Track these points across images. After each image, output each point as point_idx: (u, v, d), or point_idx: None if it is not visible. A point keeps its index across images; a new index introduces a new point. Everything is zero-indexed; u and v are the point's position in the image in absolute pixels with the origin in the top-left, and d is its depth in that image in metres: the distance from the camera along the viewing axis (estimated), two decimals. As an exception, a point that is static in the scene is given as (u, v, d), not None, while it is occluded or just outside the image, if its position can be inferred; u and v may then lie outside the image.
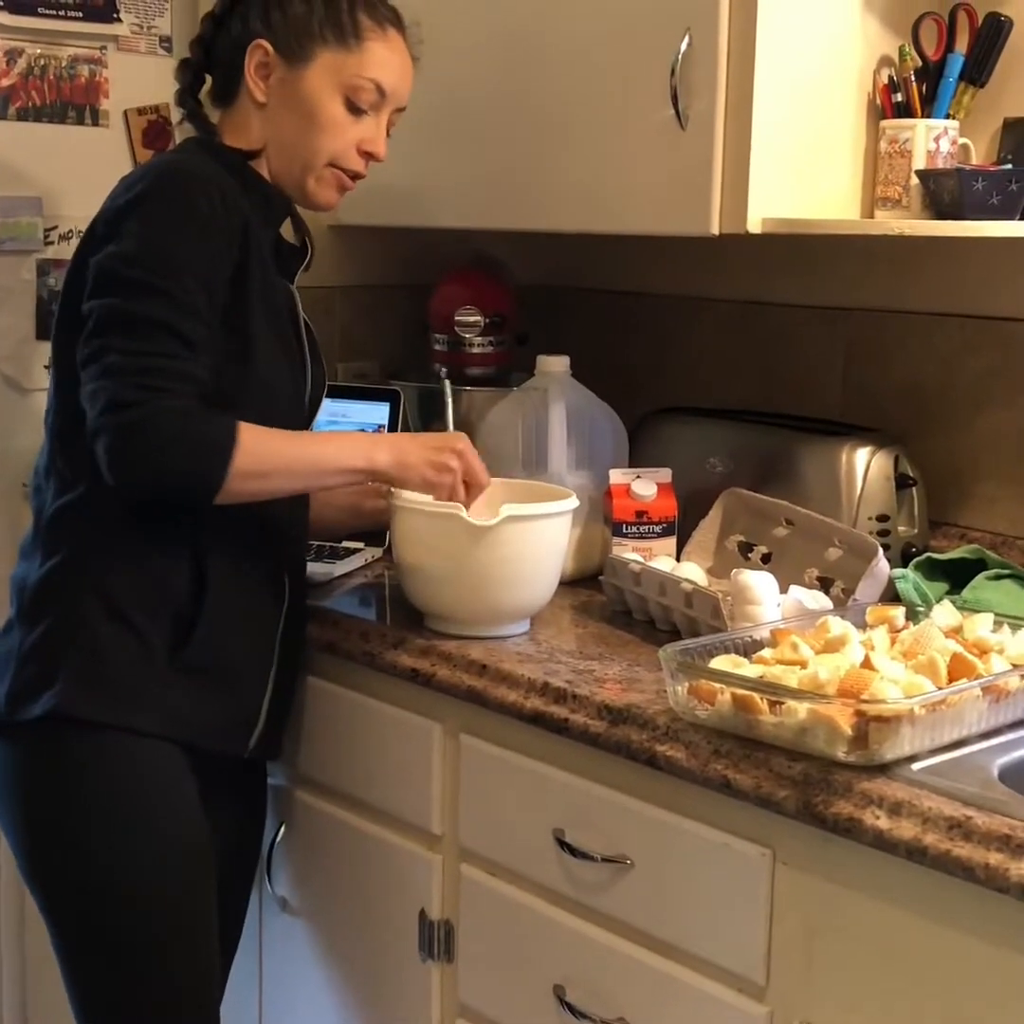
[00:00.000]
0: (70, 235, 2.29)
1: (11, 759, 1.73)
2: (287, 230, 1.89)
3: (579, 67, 2.03)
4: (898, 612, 1.66)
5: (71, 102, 2.30)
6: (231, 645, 1.76)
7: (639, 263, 2.50)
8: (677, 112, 1.89)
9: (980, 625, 1.61)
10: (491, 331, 2.34)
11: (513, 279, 2.43)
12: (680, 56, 1.87)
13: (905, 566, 1.90)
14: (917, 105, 1.94)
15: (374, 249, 2.55)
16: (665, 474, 2.02)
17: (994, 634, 1.60)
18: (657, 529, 2.00)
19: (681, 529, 2.02)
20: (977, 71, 1.95)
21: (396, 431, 2.27)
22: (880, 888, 1.36)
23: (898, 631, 1.62)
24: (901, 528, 2.00)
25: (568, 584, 2.01)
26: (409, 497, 1.81)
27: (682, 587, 1.80)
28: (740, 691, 1.46)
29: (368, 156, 1.81)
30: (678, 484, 2.03)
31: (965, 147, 1.97)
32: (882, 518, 1.97)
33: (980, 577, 1.87)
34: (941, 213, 1.87)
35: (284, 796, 2.02)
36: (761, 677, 1.48)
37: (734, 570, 1.78)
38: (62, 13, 2.27)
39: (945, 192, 1.84)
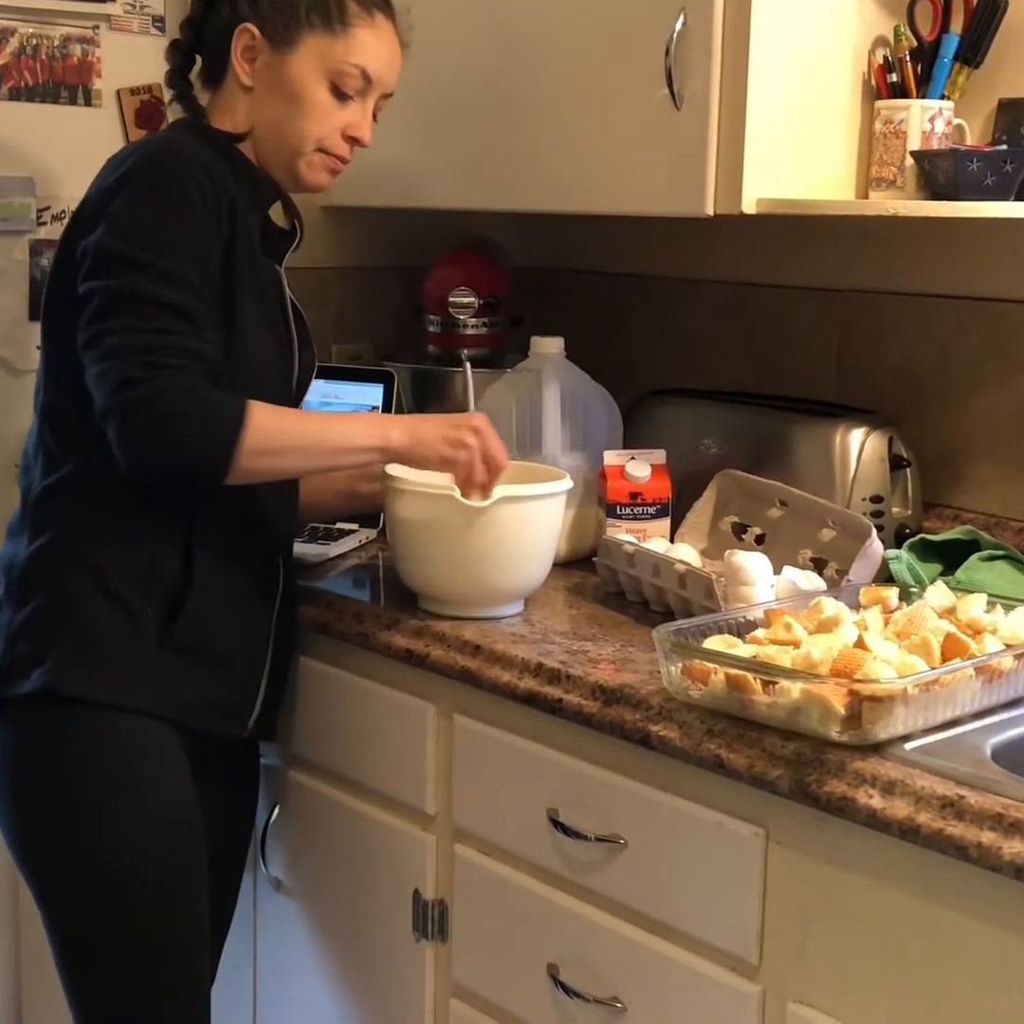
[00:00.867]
0: (63, 215, 2.28)
1: (0, 736, 1.73)
2: (276, 213, 1.89)
3: (574, 47, 2.03)
4: (891, 593, 1.66)
5: (63, 82, 2.29)
6: (222, 624, 1.76)
7: (634, 245, 2.50)
8: (672, 92, 1.89)
9: (973, 605, 1.61)
10: (485, 312, 2.34)
11: (508, 261, 2.43)
12: (675, 36, 1.87)
13: (899, 547, 1.90)
14: (912, 86, 1.94)
15: (368, 231, 2.55)
16: (659, 455, 2.02)
17: (987, 614, 1.60)
18: (651, 510, 2.00)
19: (675, 510, 2.02)
20: (972, 52, 1.94)
21: (390, 413, 2.27)
22: (873, 867, 1.37)
23: (891, 612, 1.62)
24: (895, 509, 2.01)
25: (562, 566, 2.01)
26: (403, 478, 1.81)
27: (676, 568, 1.80)
28: (734, 671, 1.46)
29: (353, 141, 1.81)
30: (672, 465, 2.03)
31: (960, 128, 1.96)
32: (876, 499, 1.98)
33: (973, 558, 1.88)
34: (936, 194, 1.87)
35: (278, 777, 2.03)
36: (754, 657, 1.48)
37: (728, 551, 1.78)
38: (55, -8, 2.26)
39: (940, 173, 1.84)
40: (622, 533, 1.95)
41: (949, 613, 1.60)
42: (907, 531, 1.99)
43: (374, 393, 2.29)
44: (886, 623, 1.58)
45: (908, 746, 1.40)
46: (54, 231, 2.27)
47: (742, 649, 1.52)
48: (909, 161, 1.91)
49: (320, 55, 1.75)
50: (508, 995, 1.75)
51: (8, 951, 2.42)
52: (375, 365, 2.39)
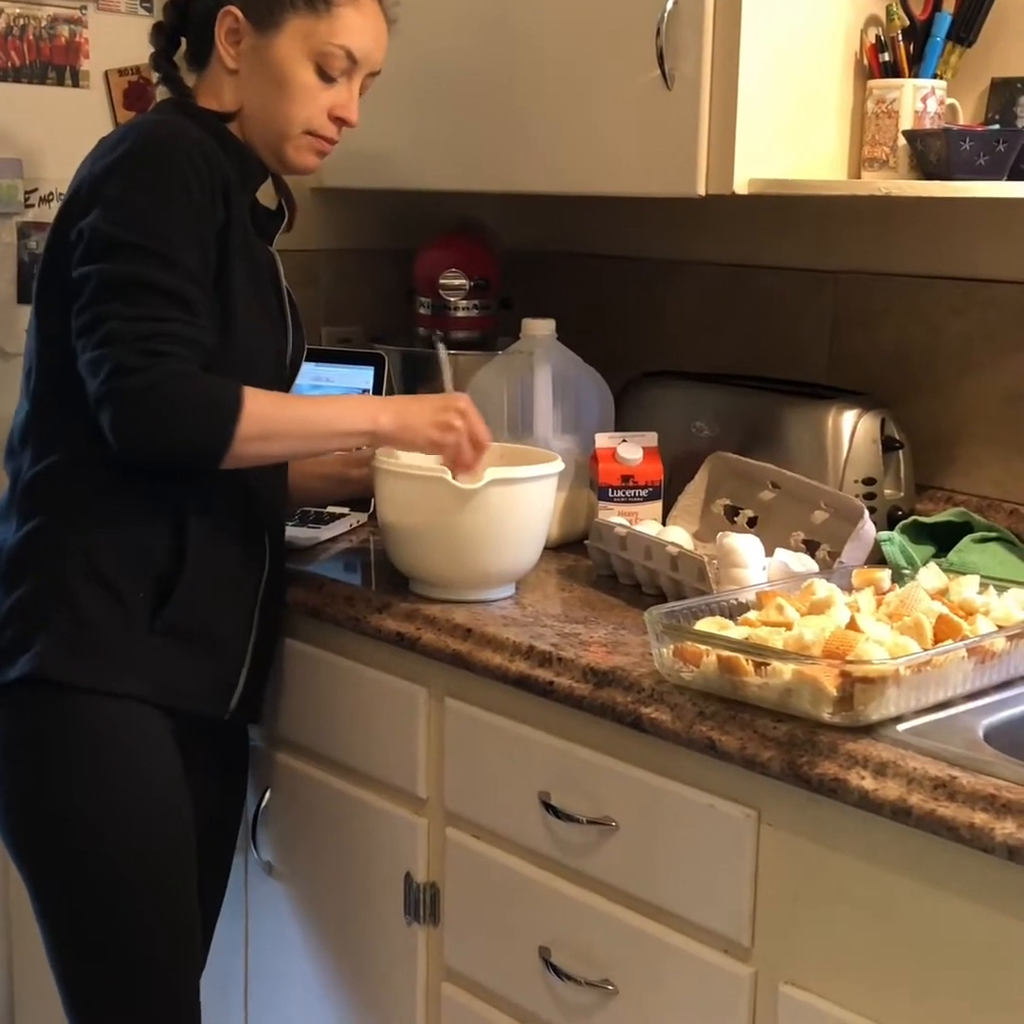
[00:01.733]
0: (51, 197, 2.27)
1: (-11, 721, 1.72)
2: (264, 194, 1.87)
3: (565, 27, 2.02)
4: (884, 574, 1.66)
5: (51, 63, 2.28)
6: (211, 608, 1.76)
7: (625, 226, 2.49)
8: (663, 72, 1.88)
9: (966, 587, 1.61)
10: (476, 295, 2.34)
11: (498, 243, 2.42)
12: (666, 15, 1.86)
13: (891, 529, 1.89)
14: (904, 65, 1.93)
15: (358, 213, 2.54)
16: (651, 438, 2.02)
17: (980, 596, 1.59)
18: (643, 493, 1.99)
19: (667, 493, 2.02)
20: (965, 30, 1.94)
21: (380, 395, 2.26)
22: (865, 848, 1.36)
23: (884, 593, 1.62)
24: (887, 491, 2.00)
25: (554, 549, 2.01)
26: (393, 461, 1.80)
27: (668, 551, 1.79)
28: (725, 653, 1.45)
29: (340, 122, 1.80)
30: (664, 448, 2.02)
31: (952, 107, 1.96)
32: (868, 481, 1.97)
33: (966, 540, 1.87)
34: (928, 173, 1.86)
35: (270, 761, 2.02)
36: (746, 639, 1.48)
37: (720, 533, 1.77)
38: (41, -28, 2.25)
39: (932, 152, 1.83)
40: (614, 516, 1.95)
41: (941, 595, 1.60)
42: (900, 513, 1.99)
43: (364, 376, 2.28)
44: (878, 605, 1.57)
45: (900, 727, 1.39)
46: (42, 213, 2.26)
47: (734, 631, 1.52)
48: (901, 141, 1.90)
49: (304, 37, 1.74)
50: (500, 978, 1.75)
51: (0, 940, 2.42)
52: (365, 348, 2.38)
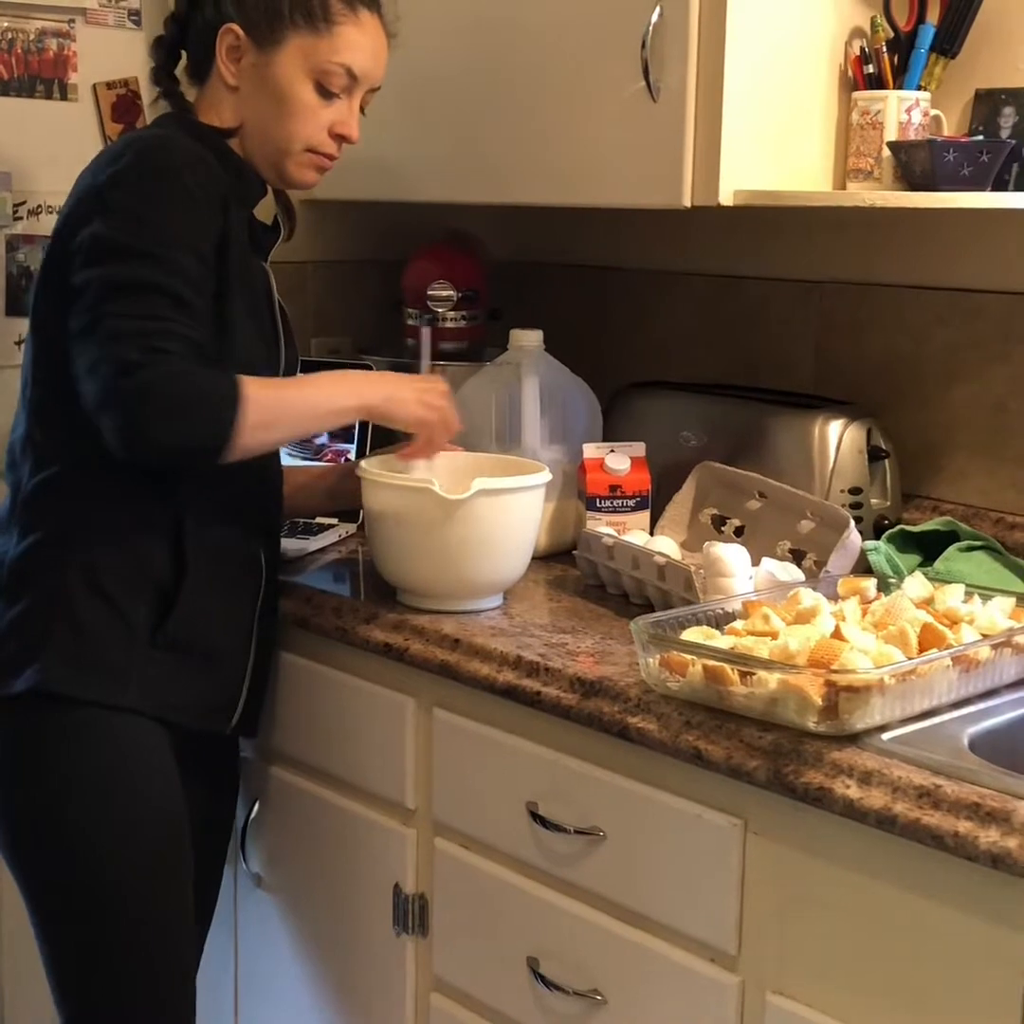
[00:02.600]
0: (40, 210, 2.27)
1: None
2: (261, 209, 1.88)
3: (551, 40, 2.02)
4: (869, 583, 1.66)
5: (39, 76, 2.28)
6: (210, 622, 1.76)
7: (611, 238, 2.50)
8: (648, 84, 1.88)
9: (951, 596, 1.61)
10: (464, 306, 2.34)
11: (486, 254, 2.43)
12: (651, 28, 1.86)
13: (877, 538, 1.90)
14: (889, 76, 1.94)
15: (347, 224, 2.54)
16: (639, 448, 2.03)
17: (965, 605, 1.60)
18: (630, 503, 2.00)
19: (654, 503, 2.02)
20: (949, 42, 1.94)
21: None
22: (851, 857, 1.37)
23: (869, 602, 1.62)
24: (873, 501, 2.01)
25: (542, 559, 2.01)
26: (380, 471, 1.81)
27: (655, 560, 1.80)
28: (711, 662, 1.46)
29: (340, 138, 1.80)
30: (651, 458, 2.03)
31: (937, 118, 1.97)
32: (855, 491, 1.98)
33: (952, 549, 1.88)
34: (913, 184, 1.87)
35: (258, 772, 2.02)
36: (732, 648, 1.48)
37: (706, 543, 1.78)
38: (29, -14, 2.25)
39: (917, 164, 1.84)
40: (602, 526, 1.95)
41: (927, 603, 1.61)
42: (886, 522, 1.99)
43: (353, 387, 2.28)
44: (864, 614, 1.58)
45: (885, 736, 1.40)
46: (31, 226, 2.26)
47: (720, 641, 1.52)
48: (886, 152, 1.91)
49: (305, 55, 1.75)
50: (488, 988, 1.75)
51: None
52: (354, 358, 2.38)
